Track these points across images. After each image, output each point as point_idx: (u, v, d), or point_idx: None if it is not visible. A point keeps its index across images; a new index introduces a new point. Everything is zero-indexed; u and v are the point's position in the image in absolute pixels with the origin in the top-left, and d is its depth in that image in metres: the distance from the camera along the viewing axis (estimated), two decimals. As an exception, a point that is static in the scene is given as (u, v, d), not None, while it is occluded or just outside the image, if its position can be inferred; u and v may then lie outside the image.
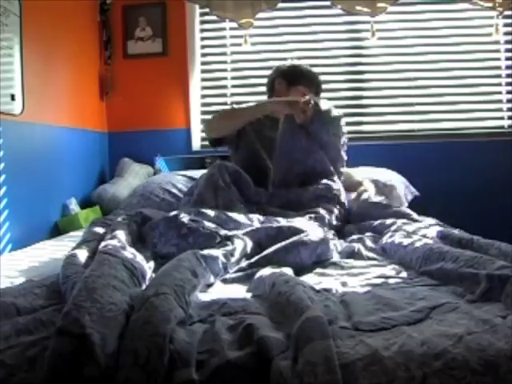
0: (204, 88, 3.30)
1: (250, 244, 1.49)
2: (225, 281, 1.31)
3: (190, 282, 1.08)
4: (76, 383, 0.80)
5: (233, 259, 1.38)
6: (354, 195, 2.18)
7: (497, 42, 3.09)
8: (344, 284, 1.25)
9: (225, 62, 3.31)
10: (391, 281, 1.26)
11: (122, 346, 0.85)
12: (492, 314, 0.96)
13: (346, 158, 2.27)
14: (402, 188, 2.61)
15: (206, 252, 1.31)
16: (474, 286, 1.12)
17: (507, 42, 3.09)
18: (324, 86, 3.20)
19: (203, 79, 3.30)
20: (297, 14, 3.25)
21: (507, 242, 1.52)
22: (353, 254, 1.55)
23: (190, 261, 1.20)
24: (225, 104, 3.24)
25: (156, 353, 0.81)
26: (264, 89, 3.24)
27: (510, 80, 3.10)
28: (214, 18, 3.15)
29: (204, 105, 3.30)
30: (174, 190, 2.58)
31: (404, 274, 1.33)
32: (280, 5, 3.06)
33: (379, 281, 1.26)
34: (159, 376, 0.80)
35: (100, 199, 2.84)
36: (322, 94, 3.20)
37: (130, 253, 1.28)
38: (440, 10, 3.16)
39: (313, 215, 1.82)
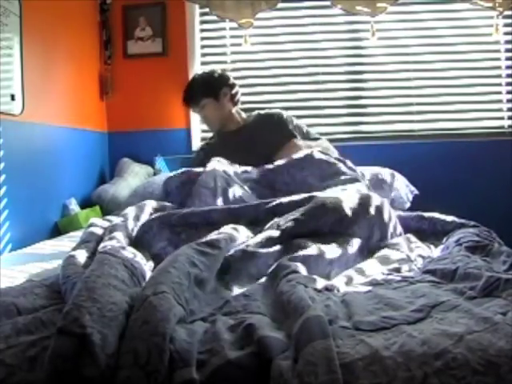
0: (204, 88, 3.30)
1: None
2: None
3: (187, 276, 1.08)
4: (76, 383, 0.81)
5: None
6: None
7: (497, 42, 3.09)
8: (349, 281, 1.26)
9: (225, 62, 3.30)
10: (393, 279, 1.26)
11: (122, 346, 0.85)
12: (492, 311, 0.96)
13: None
14: (403, 187, 2.61)
15: (204, 239, 1.30)
16: (475, 283, 1.12)
17: (507, 42, 3.09)
18: (324, 86, 3.23)
19: (203, 79, 3.30)
20: (297, 13, 3.25)
21: (507, 242, 1.52)
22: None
23: (187, 253, 1.19)
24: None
25: (156, 353, 0.81)
26: (262, 89, 3.27)
27: (510, 80, 3.09)
28: (214, 18, 3.15)
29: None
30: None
31: (406, 273, 1.33)
32: (280, 5, 3.06)
33: (380, 279, 1.26)
34: (159, 376, 0.80)
35: (100, 199, 2.84)
36: (321, 94, 3.22)
37: (129, 252, 1.29)
38: (440, 10, 3.15)
39: None
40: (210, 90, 2.43)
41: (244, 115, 2.55)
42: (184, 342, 0.86)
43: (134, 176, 2.99)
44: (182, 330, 0.90)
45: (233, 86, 2.50)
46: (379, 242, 1.52)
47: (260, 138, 2.35)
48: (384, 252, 1.48)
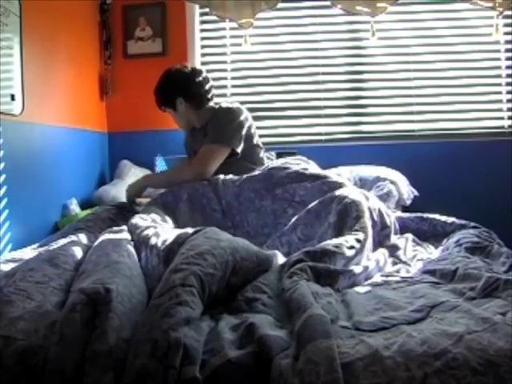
0: (204, 88, 3.29)
1: None
2: None
3: (225, 265, 1.08)
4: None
5: None
6: None
7: (497, 42, 3.09)
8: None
9: (225, 62, 3.30)
10: (392, 280, 1.26)
11: (140, 333, 0.86)
12: (492, 311, 0.96)
13: None
14: (404, 186, 2.61)
15: None
16: (474, 283, 1.12)
17: (507, 42, 3.09)
18: (324, 86, 3.23)
19: (203, 79, 3.29)
20: (297, 13, 3.25)
21: (507, 243, 1.52)
22: None
23: (230, 240, 1.21)
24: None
25: (175, 348, 0.81)
26: (262, 89, 3.27)
27: (510, 80, 3.09)
28: (214, 18, 3.14)
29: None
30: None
31: (405, 273, 1.33)
32: (280, 5, 3.05)
33: (380, 280, 1.26)
34: (175, 371, 0.79)
35: (101, 200, 2.83)
36: (321, 94, 3.22)
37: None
38: (440, 10, 3.15)
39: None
40: (166, 101, 2.27)
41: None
42: (193, 339, 0.86)
43: (134, 178, 2.99)
44: (192, 327, 0.90)
45: (188, 93, 2.21)
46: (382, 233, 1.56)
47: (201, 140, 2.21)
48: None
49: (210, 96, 2.25)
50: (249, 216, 1.75)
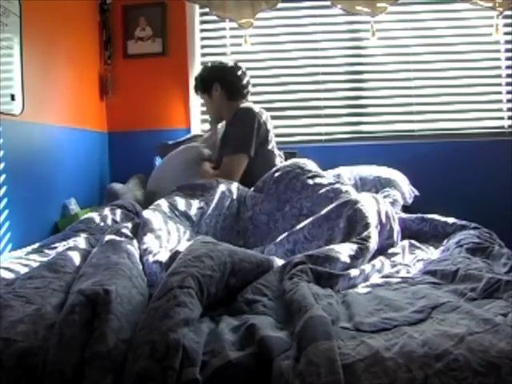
0: (204, 88, 3.29)
1: None
2: None
3: (223, 266, 1.08)
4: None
5: None
6: None
7: (497, 42, 3.09)
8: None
9: (225, 62, 3.30)
10: (393, 281, 1.26)
11: (138, 335, 0.86)
12: (493, 312, 0.96)
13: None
14: (405, 186, 2.61)
15: None
16: (475, 284, 1.12)
17: (507, 42, 3.08)
18: (324, 86, 3.23)
19: (203, 79, 3.29)
20: (297, 13, 3.24)
21: (507, 243, 1.52)
22: None
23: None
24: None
25: (174, 349, 0.81)
26: (262, 89, 3.27)
27: (510, 80, 3.09)
28: (214, 18, 3.14)
29: (204, 105, 3.29)
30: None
31: (406, 274, 1.33)
32: (280, 5, 3.05)
33: (381, 281, 1.26)
34: (174, 373, 0.79)
35: (113, 196, 2.72)
36: (321, 94, 3.22)
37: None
38: (440, 10, 3.15)
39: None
40: (203, 87, 2.51)
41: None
42: (192, 341, 0.86)
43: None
44: (192, 328, 0.90)
45: (225, 81, 2.46)
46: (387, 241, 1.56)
47: (223, 136, 2.48)
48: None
49: (245, 92, 2.50)
50: (264, 239, 1.78)
